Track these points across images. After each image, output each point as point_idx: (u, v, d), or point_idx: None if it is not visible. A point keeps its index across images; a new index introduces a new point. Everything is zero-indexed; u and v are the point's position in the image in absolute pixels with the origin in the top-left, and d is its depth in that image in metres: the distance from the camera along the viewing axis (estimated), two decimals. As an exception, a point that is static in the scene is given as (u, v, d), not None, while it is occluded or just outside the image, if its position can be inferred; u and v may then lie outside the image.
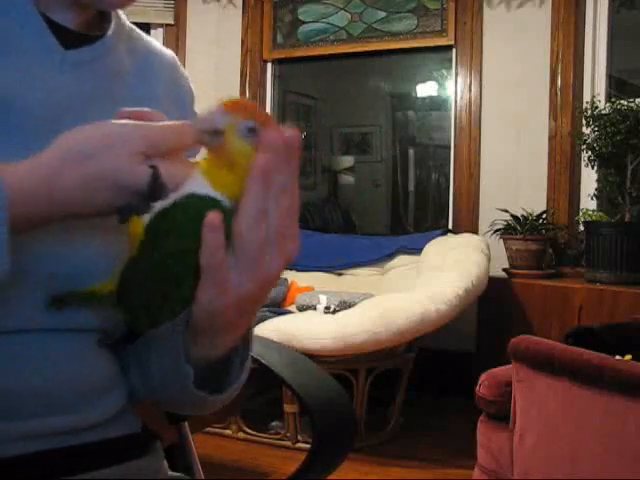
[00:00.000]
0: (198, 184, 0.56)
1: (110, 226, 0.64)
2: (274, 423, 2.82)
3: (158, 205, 0.57)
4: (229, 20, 4.07)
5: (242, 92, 4.05)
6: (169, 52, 0.87)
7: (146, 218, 0.58)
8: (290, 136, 0.55)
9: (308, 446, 2.24)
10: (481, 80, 3.55)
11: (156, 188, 0.56)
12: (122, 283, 0.61)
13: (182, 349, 0.68)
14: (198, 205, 0.56)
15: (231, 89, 3.99)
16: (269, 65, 4.09)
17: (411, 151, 4.95)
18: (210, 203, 0.56)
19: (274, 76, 4.12)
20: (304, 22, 3.98)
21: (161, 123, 0.60)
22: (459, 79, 3.61)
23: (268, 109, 4.11)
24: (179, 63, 0.87)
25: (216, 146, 0.55)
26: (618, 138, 2.82)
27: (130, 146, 0.57)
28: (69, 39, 0.73)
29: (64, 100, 0.70)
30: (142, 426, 0.77)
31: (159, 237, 0.57)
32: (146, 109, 0.63)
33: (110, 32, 0.77)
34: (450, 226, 3.60)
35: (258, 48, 4.04)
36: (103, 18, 0.79)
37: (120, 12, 0.81)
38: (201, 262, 0.56)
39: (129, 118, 0.60)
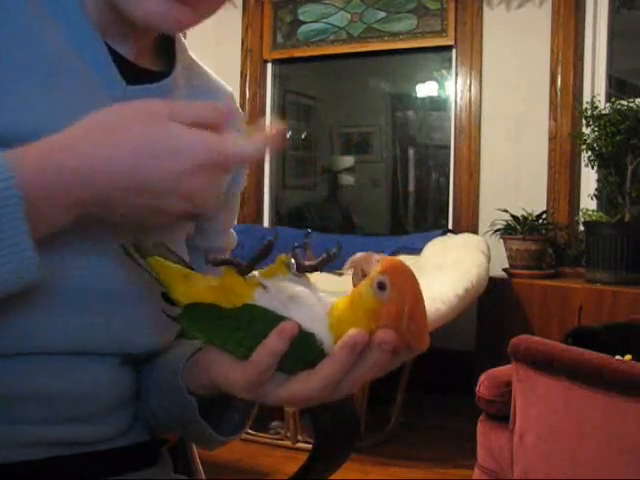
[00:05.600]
0: (318, 315, 0.57)
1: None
2: (274, 423, 2.82)
3: (275, 304, 0.57)
4: (229, 20, 4.06)
5: (242, 92, 4.05)
6: (228, 90, 0.85)
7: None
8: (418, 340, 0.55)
9: (308, 446, 2.24)
10: (481, 80, 3.55)
11: (265, 255, 0.57)
12: (195, 313, 0.61)
13: (183, 383, 0.67)
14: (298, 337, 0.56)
15: (231, 89, 3.98)
16: (269, 65, 4.09)
17: (411, 151, 4.94)
18: (305, 337, 0.56)
19: (274, 76, 4.12)
20: (304, 22, 3.98)
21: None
22: (459, 79, 3.60)
23: (268, 109, 4.11)
24: (235, 101, 0.85)
25: (355, 283, 0.56)
26: (618, 138, 2.82)
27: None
28: (131, 73, 0.69)
29: None
30: (151, 435, 0.77)
31: (252, 329, 0.57)
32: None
33: (175, 73, 0.73)
34: (450, 226, 3.60)
35: (258, 48, 4.04)
36: (167, 51, 0.76)
37: (185, 46, 0.78)
38: (252, 355, 0.56)
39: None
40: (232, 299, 0.58)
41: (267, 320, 0.56)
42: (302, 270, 0.59)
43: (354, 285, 0.56)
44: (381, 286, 0.53)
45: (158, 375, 0.71)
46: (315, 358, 0.55)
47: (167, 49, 0.76)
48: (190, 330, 0.62)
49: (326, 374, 0.55)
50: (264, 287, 0.58)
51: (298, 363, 0.56)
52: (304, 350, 0.55)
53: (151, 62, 0.74)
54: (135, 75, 0.70)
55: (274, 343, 0.55)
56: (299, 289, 0.58)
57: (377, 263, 0.54)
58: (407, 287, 0.54)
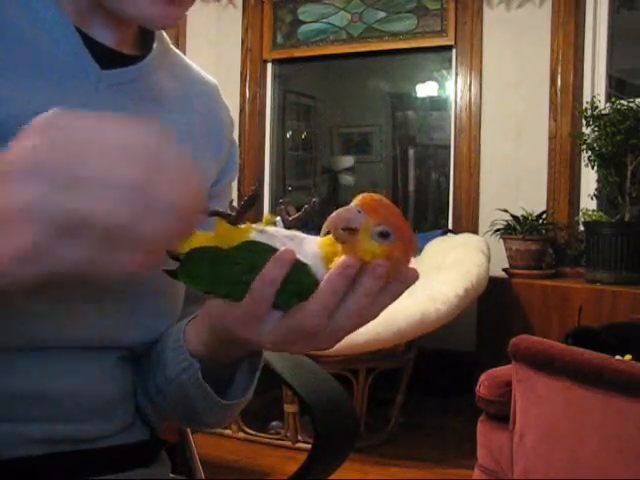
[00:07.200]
0: (313, 251, 0.57)
1: None
2: (274, 423, 2.82)
3: (274, 242, 0.57)
4: (229, 20, 4.07)
5: (242, 92, 4.05)
6: (212, 81, 0.85)
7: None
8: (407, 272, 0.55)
9: (308, 446, 2.24)
10: (481, 80, 3.55)
11: (251, 204, 0.58)
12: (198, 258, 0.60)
13: (184, 342, 0.67)
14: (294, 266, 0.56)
15: (231, 89, 3.99)
16: (269, 65, 4.09)
17: (411, 151, 4.94)
18: (301, 267, 0.56)
19: (274, 76, 4.12)
20: (304, 22, 3.98)
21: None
22: (459, 79, 3.60)
23: (268, 109, 4.11)
24: (220, 93, 0.85)
25: (349, 243, 0.55)
26: (618, 138, 2.82)
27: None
28: (108, 58, 0.70)
29: None
30: (150, 434, 0.78)
31: (250, 263, 0.57)
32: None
33: (151, 55, 0.74)
34: (450, 226, 3.60)
35: (258, 48, 4.03)
36: (146, 38, 0.77)
37: (165, 35, 0.79)
38: (252, 285, 0.56)
39: None
40: (229, 243, 0.58)
41: (266, 251, 0.56)
42: (289, 225, 0.60)
43: (341, 242, 0.55)
44: (383, 234, 0.54)
45: (163, 346, 0.71)
46: (310, 290, 0.55)
47: (146, 37, 0.78)
48: (189, 279, 0.61)
49: (320, 298, 0.54)
50: (260, 231, 0.58)
51: (294, 296, 0.56)
52: (300, 281, 0.55)
53: (134, 49, 0.75)
54: (113, 61, 0.71)
55: (272, 270, 0.54)
56: (295, 232, 0.59)
57: (361, 215, 0.55)
58: (398, 221, 0.56)
